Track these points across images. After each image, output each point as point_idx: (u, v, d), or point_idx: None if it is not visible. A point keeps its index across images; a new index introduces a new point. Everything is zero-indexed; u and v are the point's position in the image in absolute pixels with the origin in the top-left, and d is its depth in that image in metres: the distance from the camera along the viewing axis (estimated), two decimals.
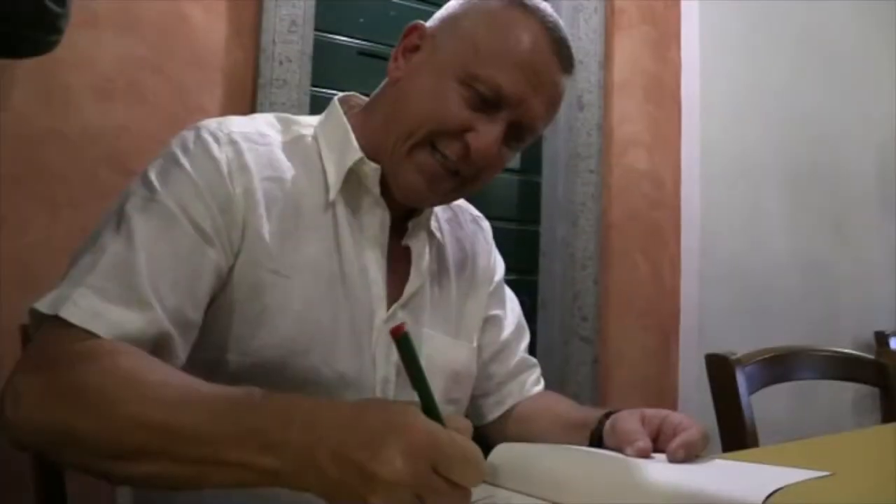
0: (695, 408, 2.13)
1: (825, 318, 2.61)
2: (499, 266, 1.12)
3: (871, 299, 2.76)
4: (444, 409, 0.96)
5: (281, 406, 0.60)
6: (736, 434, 1.06)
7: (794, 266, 2.55)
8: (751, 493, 0.57)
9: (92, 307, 0.71)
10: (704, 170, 2.33)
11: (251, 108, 1.67)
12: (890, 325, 2.70)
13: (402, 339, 0.59)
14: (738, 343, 2.31)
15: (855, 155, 2.75)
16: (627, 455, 0.74)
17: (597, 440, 0.86)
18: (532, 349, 2.14)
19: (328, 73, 1.86)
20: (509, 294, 1.13)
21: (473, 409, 1.07)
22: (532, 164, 2.16)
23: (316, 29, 1.79)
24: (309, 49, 1.74)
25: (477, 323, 1.05)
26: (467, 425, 0.59)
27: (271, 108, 1.67)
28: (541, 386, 1.12)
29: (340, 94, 1.00)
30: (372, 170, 0.89)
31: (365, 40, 1.95)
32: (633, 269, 2.26)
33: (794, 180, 2.57)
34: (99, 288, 0.72)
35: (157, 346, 0.74)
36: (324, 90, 1.84)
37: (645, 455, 0.73)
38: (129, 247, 0.75)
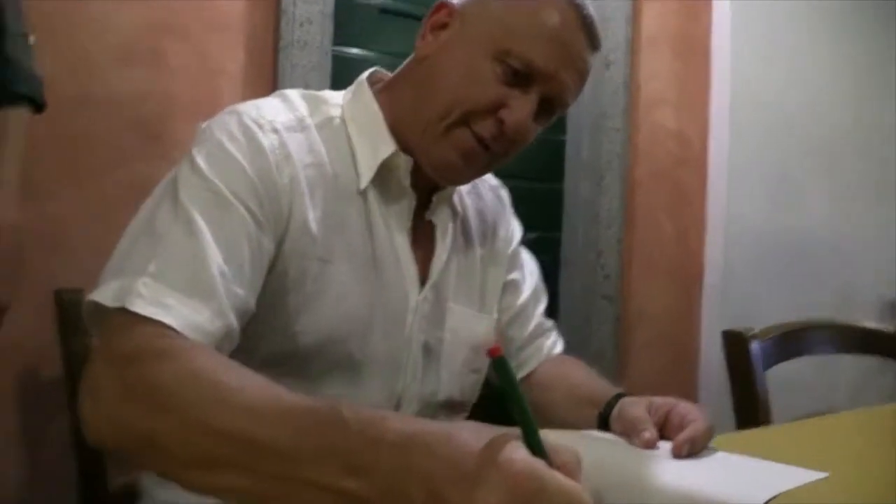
0: (715, 369, 2.14)
1: (852, 281, 2.59)
2: (516, 231, 1.13)
3: None
4: (467, 378, 1.00)
5: (369, 423, 0.55)
6: (750, 410, 1.07)
7: (824, 228, 2.51)
8: (747, 498, 0.58)
9: (158, 297, 0.69)
10: (733, 128, 2.29)
11: (272, 70, 1.67)
12: None
13: (498, 362, 0.53)
14: (762, 304, 2.32)
15: (893, 114, 2.67)
16: (633, 444, 0.76)
17: (604, 422, 0.88)
18: (554, 307, 2.17)
19: (349, 32, 1.84)
20: (527, 257, 1.14)
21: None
22: (557, 122, 2.13)
23: None
24: (329, 9, 1.72)
25: (498, 291, 1.07)
26: (574, 460, 0.53)
27: (292, 70, 1.66)
28: (559, 348, 1.14)
29: (366, 72, 0.99)
30: (404, 161, 0.90)
31: None
32: (657, 228, 2.25)
33: (827, 140, 2.51)
34: (164, 277, 0.71)
35: (223, 340, 0.74)
36: (345, 49, 1.83)
37: (651, 446, 0.75)
38: (191, 235, 0.74)
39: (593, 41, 0.90)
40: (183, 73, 1.58)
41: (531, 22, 0.86)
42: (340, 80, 1.77)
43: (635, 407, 0.82)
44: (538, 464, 0.51)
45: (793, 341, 1.20)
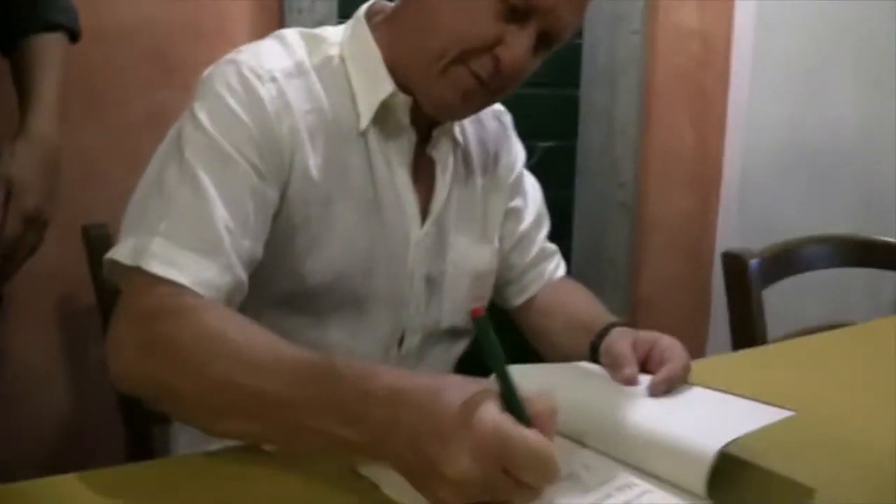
0: None
1: (878, 187, 2.54)
2: (519, 157, 1.14)
3: None
4: (469, 306, 1.04)
5: (360, 377, 0.61)
6: (746, 331, 1.10)
7: (850, 125, 2.45)
8: (710, 439, 0.63)
9: (170, 256, 0.75)
10: (759, 23, 2.20)
11: None
12: None
13: (479, 323, 0.58)
14: (781, 211, 2.31)
15: None
16: (615, 380, 0.81)
17: (595, 351, 0.92)
18: (568, 217, 2.19)
19: None
20: (530, 182, 1.15)
21: (498, 296, 1.14)
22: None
23: None
24: None
25: (499, 219, 1.10)
26: (548, 410, 0.58)
27: None
28: (561, 271, 1.17)
29: (364, 4, 0.98)
30: (403, 101, 0.91)
31: None
32: (676, 134, 2.22)
33: (857, 29, 2.40)
34: (174, 236, 0.76)
35: (232, 293, 0.80)
36: None
37: (631, 383, 0.80)
38: (197, 193, 0.79)
39: None
40: None
41: None
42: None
43: (620, 342, 0.86)
44: (508, 423, 0.55)
45: (792, 257, 1.22)
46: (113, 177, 1.51)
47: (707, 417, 0.72)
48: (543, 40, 0.88)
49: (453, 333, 1.04)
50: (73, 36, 1.24)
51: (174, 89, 1.55)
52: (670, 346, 0.83)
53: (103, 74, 1.53)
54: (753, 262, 1.14)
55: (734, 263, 1.13)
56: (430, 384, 0.60)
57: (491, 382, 0.59)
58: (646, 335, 0.87)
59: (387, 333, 0.97)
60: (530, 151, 2.09)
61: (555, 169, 2.15)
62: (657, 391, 0.77)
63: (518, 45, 0.85)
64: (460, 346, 1.07)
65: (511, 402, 0.57)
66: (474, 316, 0.58)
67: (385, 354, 0.98)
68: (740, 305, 1.12)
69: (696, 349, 2.28)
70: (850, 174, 2.48)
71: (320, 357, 0.66)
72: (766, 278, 1.16)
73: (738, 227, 2.27)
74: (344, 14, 1.70)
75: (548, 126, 2.15)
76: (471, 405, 0.56)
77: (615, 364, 0.83)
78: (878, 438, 0.74)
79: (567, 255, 2.22)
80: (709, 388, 0.79)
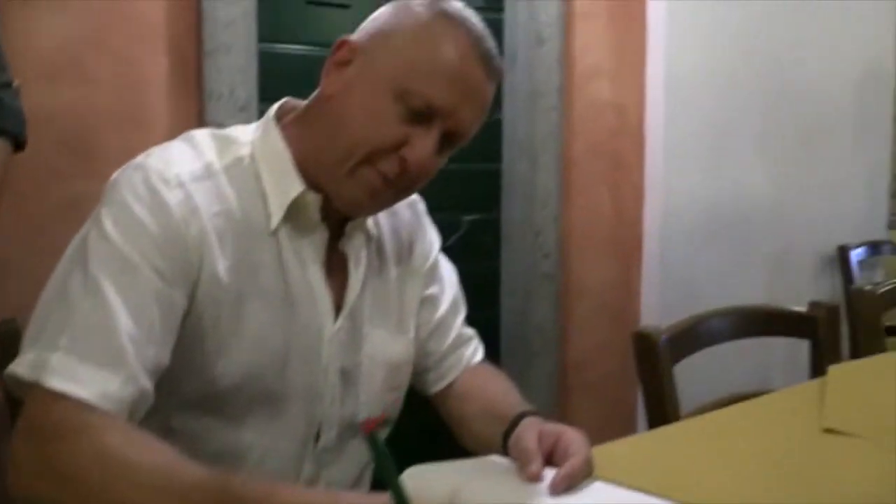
0: None
1: (789, 243, 2.67)
2: (434, 244, 1.16)
3: (834, 216, 2.80)
4: (387, 396, 1.05)
5: (259, 497, 0.64)
6: (658, 409, 1.14)
7: (760, 192, 2.58)
8: None
9: (71, 371, 0.76)
10: (669, 98, 2.32)
11: (198, 76, 1.67)
12: (852, 240, 2.77)
13: (370, 438, 0.62)
14: (702, 271, 2.40)
15: (825, 75, 2.72)
16: (520, 477, 0.82)
17: (506, 442, 0.93)
18: (495, 287, 2.23)
19: (276, 28, 1.83)
20: (446, 267, 1.17)
21: (417, 383, 1.15)
22: (492, 102, 2.16)
23: None
24: (252, 8, 1.71)
25: (415, 308, 1.11)
26: None
27: (219, 74, 1.67)
28: (479, 356, 1.18)
29: (275, 105, 1.00)
30: (314, 199, 0.93)
31: None
32: (595, 202, 2.30)
33: (761, 106, 2.55)
34: (75, 349, 0.77)
35: (137, 403, 0.80)
36: (273, 46, 1.83)
37: (535, 480, 0.80)
38: (100, 304, 0.79)
39: (492, 74, 0.92)
40: (107, 85, 1.58)
41: (429, 60, 0.88)
42: (270, 78, 1.78)
43: (527, 436, 0.87)
44: None
45: (702, 331, 1.27)
46: (26, 269, 1.48)
47: None
48: (447, 139, 0.92)
49: None
50: (19, 144, 1.25)
51: (92, 178, 1.54)
52: (574, 440, 0.84)
53: (18, 161, 1.51)
54: (662, 340, 1.18)
55: (643, 342, 1.17)
56: (329, 498, 0.63)
57: (380, 499, 0.61)
58: (551, 428, 0.88)
59: (303, 429, 0.97)
60: (456, 225, 2.15)
61: (481, 241, 2.19)
62: (557, 490, 0.79)
63: (422, 146, 0.89)
64: (380, 437, 1.07)
65: None
66: (364, 431, 0.61)
67: (302, 450, 0.98)
68: (652, 383, 1.15)
69: (627, 411, 2.32)
70: (762, 237, 2.60)
71: (219, 477, 0.67)
72: (676, 355, 1.20)
73: (661, 292, 2.34)
74: (266, 97, 1.73)
75: (472, 199, 2.20)
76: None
77: (521, 459, 0.84)
78: None
79: (496, 325, 2.26)
80: (610, 482, 0.81)
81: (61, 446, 0.72)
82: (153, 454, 0.72)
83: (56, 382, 0.75)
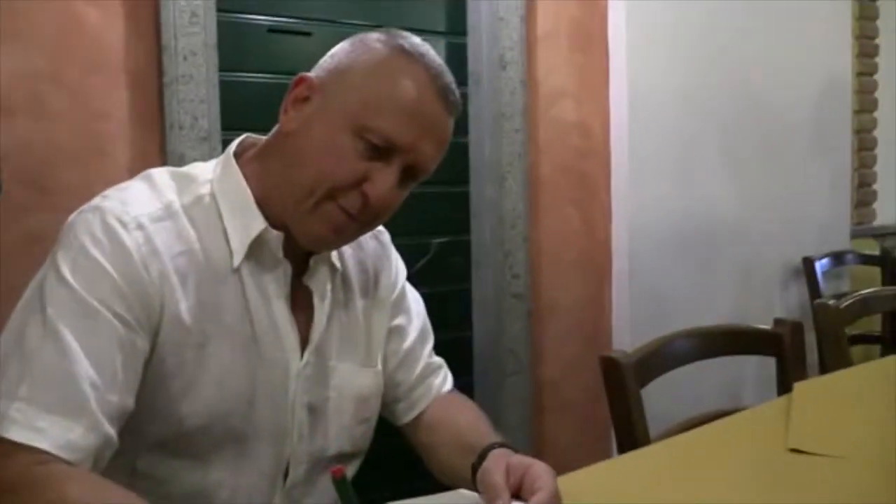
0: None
1: (756, 255, 2.71)
2: (400, 274, 1.15)
3: (799, 228, 2.85)
4: (356, 430, 1.04)
5: None
6: (628, 434, 1.14)
7: (725, 207, 2.61)
8: None
9: (31, 421, 0.75)
10: (632, 117, 2.35)
11: (159, 108, 1.65)
12: (816, 252, 2.81)
13: (339, 483, 0.63)
14: (670, 286, 2.42)
15: (785, 89, 2.77)
16: None
17: (475, 474, 0.93)
18: (467, 308, 2.23)
19: (237, 57, 1.83)
20: (413, 297, 1.17)
21: (388, 413, 1.14)
22: (458, 125, 2.17)
23: (220, 10, 1.74)
24: (213, 39, 1.70)
25: (382, 340, 1.11)
26: None
27: (180, 105, 1.65)
28: (448, 385, 1.17)
29: (234, 142, 1.00)
30: (276, 236, 0.92)
31: (274, 16, 1.90)
32: (563, 221, 2.31)
33: (723, 122, 2.59)
34: (35, 399, 0.76)
35: (100, 451, 0.79)
36: (234, 75, 1.82)
37: None
38: (60, 351, 0.78)
39: (451, 108, 0.93)
40: (66, 119, 1.57)
41: (388, 96, 0.88)
42: (231, 108, 1.77)
43: (494, 469, 0.87)
44: None
45: (668, 352, 1.28)
46: None
47: None
48: (408, 173, 0.92)
49: (341, 458, 1.03)
50: None
51: (51, 212, 1.52)
52: (541, 474, 0.84)
53: None
54: (629, 364, 1.18)
55: (610, 366, 1.17)
56: None
57: None
58: (518, 461, 0.88)
59: (271, 466, 0.96)
60: (426, 248, 2.15)
61: (451, 263, 2.20)
62: None
63: (383, 181, 0.89)
64: (350, 470, 1.06)
65: None
66: (335, 477, 0.61)
67: (272, 487, 0.97)
68: (620, 407, 1.16)
69: (601, 429, 2.33)
70: (729, 251, 2.63)
71: None
72: (643, 378, 1.21)
73: (631, 308, 2.36)
74: (228, 126, 1.72)
75: (442, 222, 2.20)
76: None
77: (488, 494, 0.84)
78: None
79: (468, 347, 2.26)
80: None
81: (22, 499, 0.71)
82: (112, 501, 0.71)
83: (16, 434, 0.74)
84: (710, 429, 1.14)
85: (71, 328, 0.79)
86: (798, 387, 1.25)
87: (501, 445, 0.95)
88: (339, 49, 0.95)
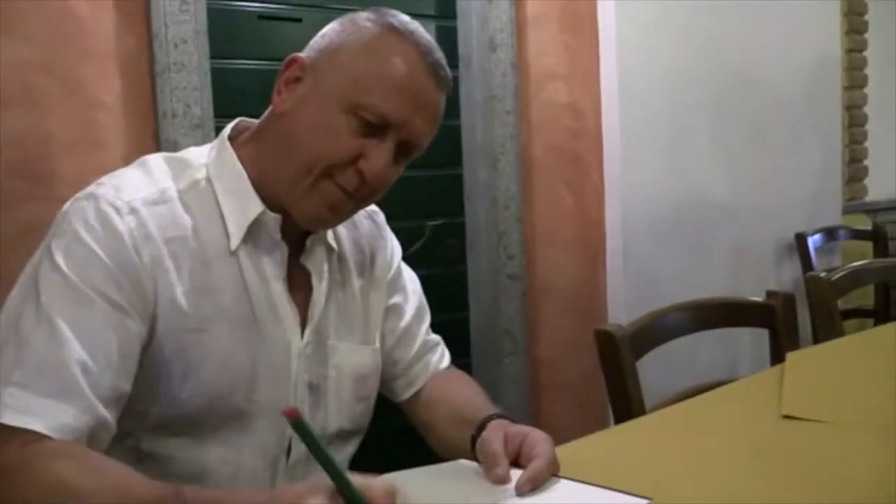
0: None
1: (747, 232, 2.72)
2: (396, 253, 1.17)
3: (790, 204, 2.86)
4: (356, 407, 1.06)
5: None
6: (624, 405, 1.16)
7: (716, 185, 2.63)
8: None
9: (24, 405, 0.76)
10: (623, 98, 2.35)
11: (151, 96, 1.66)
12: (808, 227, 2.83)
13: (295, 424, 0.64)
14: (663, 264, 2.43)
15: (775, 67, 2.78)
16: (488, 479, 0.84)
17: (474, 446, 0.95)
18: (463, 290, 2.25)
19: (228, 44, 1.83)
20: (409, 276, 1.18)
21: (387, 390, 1.16)
22: (450, 108, 2.17)
23: None
24: (203, 26, 1.71)
25: (380, 319, 1.12)
26: (386, 495, 0.67)
27: (172, 93, 1.66)
28: (445, 361, 1.19)
29: (228, 126, 1.00)
30: (273, 218, 0.93)
31: (264, 2, 1.91)
32: (556, 202, 2.32)
33: (714, 101, 2.60)
34: (29, 384, 0.77)
35: (95, 432, 0.80)
36: (226, 62, 1.82)
37: (502, 482, 0.83)
38: (53, 337, 0.79)
39: (442, 84, 0.94)
40: (58, 109, 1.57)
41: (379, 74, 0.89)
42: (224, 96, 1.77)
43: (493, 438, 0.88)
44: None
45: (662, 326, 1.29)
46: None
47: None
48: (402, 150, 0.93)
49: (342, 435, 1.05)
50: None
51: (46, 202, 1.53)
52: (539, 441, 0.86)
53: None
54: (624, 337, 1.20)
55: (605, 340, 1.19)
56: (269, 493, 0.71)
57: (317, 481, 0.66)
58: (516, 430, 0.90)
59: (273, 445, 0.97)
60: (420, 231, 2.16)
61: (447, 246, 2.21)
62: (523, 490, 0.81)
63: (378, 158, 0.90)
64: (351, 447, 1.08)
65: (346, 489, 0.64)
66: (289, 417, 0.64)
67: (274, 465, 0.98)
68: (616, 381, 1.17)
69: (598, 407, 2.35)
70: (722, 229, 2.64)
71: (169, 490, 0.71)
72: (638, 350, 1.22)
73: (625, 287, 2.37)
74: (221, 114, 1.72)
75: (436, 205, 2.21)
76: (297, 491, 0.66)
77: (487, 463, 0.86)
78: None
79: (465, 328, 2.27)
80: (573, 479, 0.83)
81: (16, 481, 0.72)
82: (106, 476, 0.73)
83: (8, 418, 0.75)
84: (705, 398, 1.15)
85: (64, 315, 0.80)
86: (791, 356, 1.27)
87: (499, 417, 0.97)
88: (330, 29, 0.95)
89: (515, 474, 0.83)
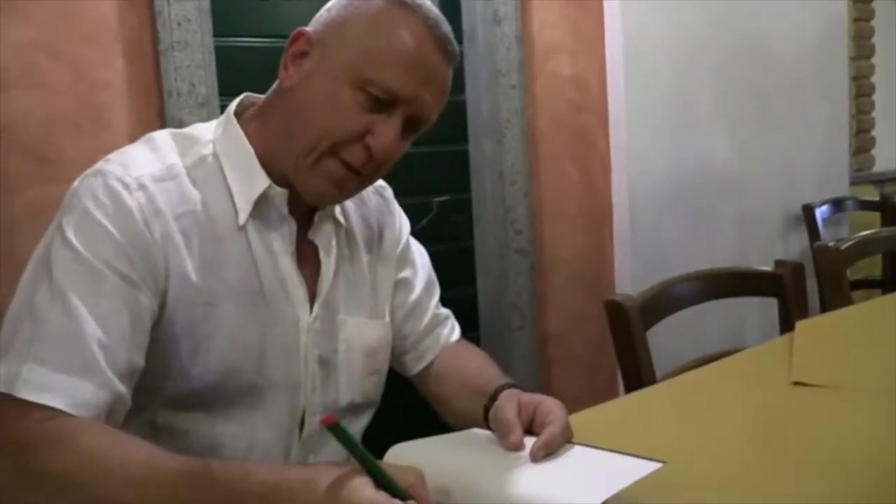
0: None
1: (753, 204, 2.71)
2: (404, 227, 1.17)
3: (798, 176, 2.85)
4: (367, 381, 1.07)
5: (235, 478, 0.68)
6: (634, 374, 1.16)
7: (722, 157, 2.61)
8: (588, 499, 0.68)
9: (43, 381, 0.76)
10: (628, 70, 2.34)
11: (156, 75, 1.65)
12: (816, 199, 2.82)
13: (334, 430, 0.65)
14: (670, 236, 2.43)
15: (782, 38, 2.75)
16: (502, 446, 0.85)
17: (487, 416, 0.95)
18: (470, 264, 2.25)
19: (231, 22, 1.82)
20: (418, 250, 1.18)
21: (397, 365, 1.16)
22: (455, 83, 2.16)
23: None
24: (206, 4, 1.70)
25: (389, 293, 1.12)
26: (416, 479, 0.68)
27: (176, 72, 1.65)
28: (456, 335, 1.19)
29: (234, 102, 1.00)
30: (280, 193, 0.93)
31: None
32: (563, 175, 2.32)
33: (719, 73, 2.58)
34: (45, 360, 0.77)
35: (112, 407, 0.80)
36: (230, 39, 1.81)
37: (516, 449, 0.83)
38: (67, 313, 0.79)
39: (449, 58, 0.93)
40: (63, 90, 1.57)
41: (387, 48, 0.89)
42: (228, 74, 1.77)
43: (506, 407, 0.89)
44: (385, 498, 0.64)
45: (671, 296, 1.29)
46: None
47: (585, 476, 0.77)
48: (410, 124, 0.93)
49: (354, 409, 1.06)
50: None
51: (53, 183, 1.53)
52: (552, 408, 0.87)
53: None
54: (634, 307, 1.20)
55: (615, 310, 1.19)
56: (305, 474, 0.68)
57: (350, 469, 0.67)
58: (529, 398, 0.90)
59: (287, 418, 0.98)
60: (428, 207, 2.16)
61: (454, 221, 2.21)
62: (537, 456, 0.81)
63: (386, 133, 0.89)
64: (363, 420, 1.09)
65: (382, 480, 0.65)
66: (326, 425, 0.65)
67: (288, 438, 0.99)
68: (626, 350, 1.18)
69: (607, 379, 2.36)
70: (729, 200, 2.64)
71: (197, 463, 0.71)
72: (648, 320, 1.23)
73: (633, 259, 2.37)
74: (226, 92, 1.72)
75: (442, 181, 2.21)
76: (345, 491, 0.64)
77: (501, 430, 0.87)
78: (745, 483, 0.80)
79: (473, 303, 2.28)
80: (586, 445, 0.84)
81: (39, 454, 0.73)
82: (131, 450, 0.73)
83: (28, 393, 0.75)
84: (716, 366, 1.16)
85: (77, 290, 0.81)
86: (800, 325, 1.27)
87: (512, 386, 0.98)
88: (336, 2, 0.95)
89: (529, 442, 0.83)
